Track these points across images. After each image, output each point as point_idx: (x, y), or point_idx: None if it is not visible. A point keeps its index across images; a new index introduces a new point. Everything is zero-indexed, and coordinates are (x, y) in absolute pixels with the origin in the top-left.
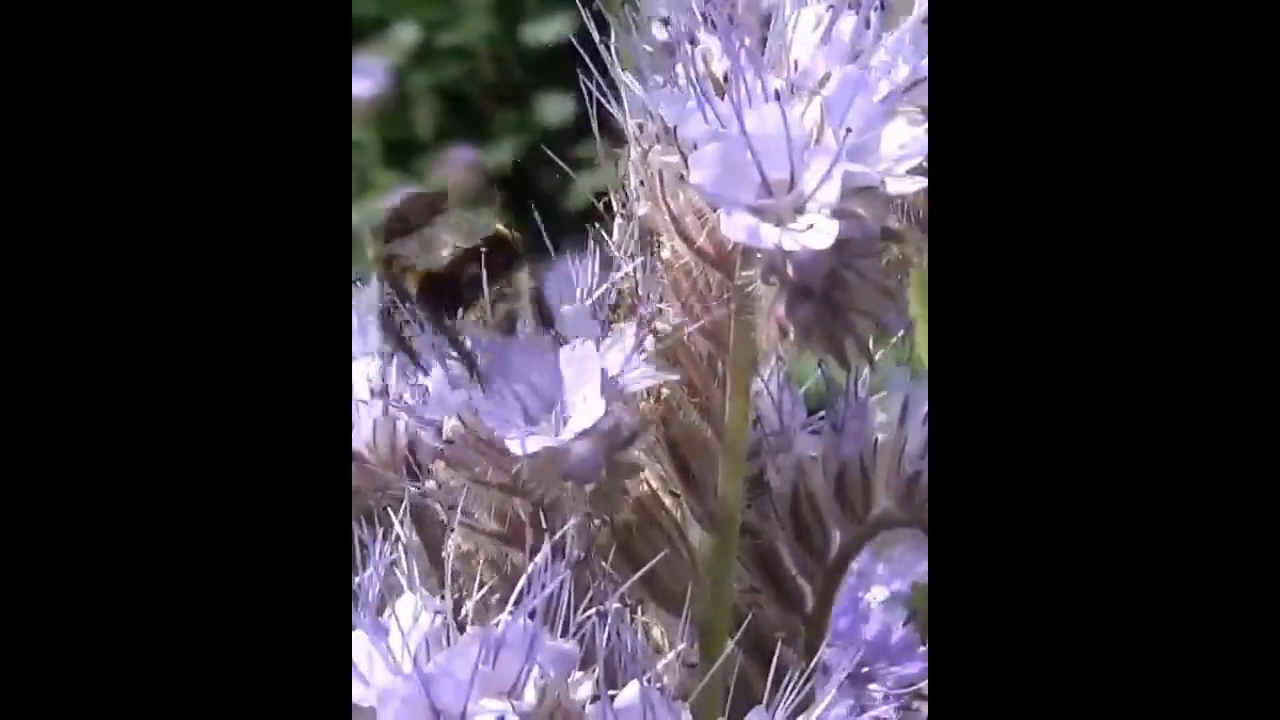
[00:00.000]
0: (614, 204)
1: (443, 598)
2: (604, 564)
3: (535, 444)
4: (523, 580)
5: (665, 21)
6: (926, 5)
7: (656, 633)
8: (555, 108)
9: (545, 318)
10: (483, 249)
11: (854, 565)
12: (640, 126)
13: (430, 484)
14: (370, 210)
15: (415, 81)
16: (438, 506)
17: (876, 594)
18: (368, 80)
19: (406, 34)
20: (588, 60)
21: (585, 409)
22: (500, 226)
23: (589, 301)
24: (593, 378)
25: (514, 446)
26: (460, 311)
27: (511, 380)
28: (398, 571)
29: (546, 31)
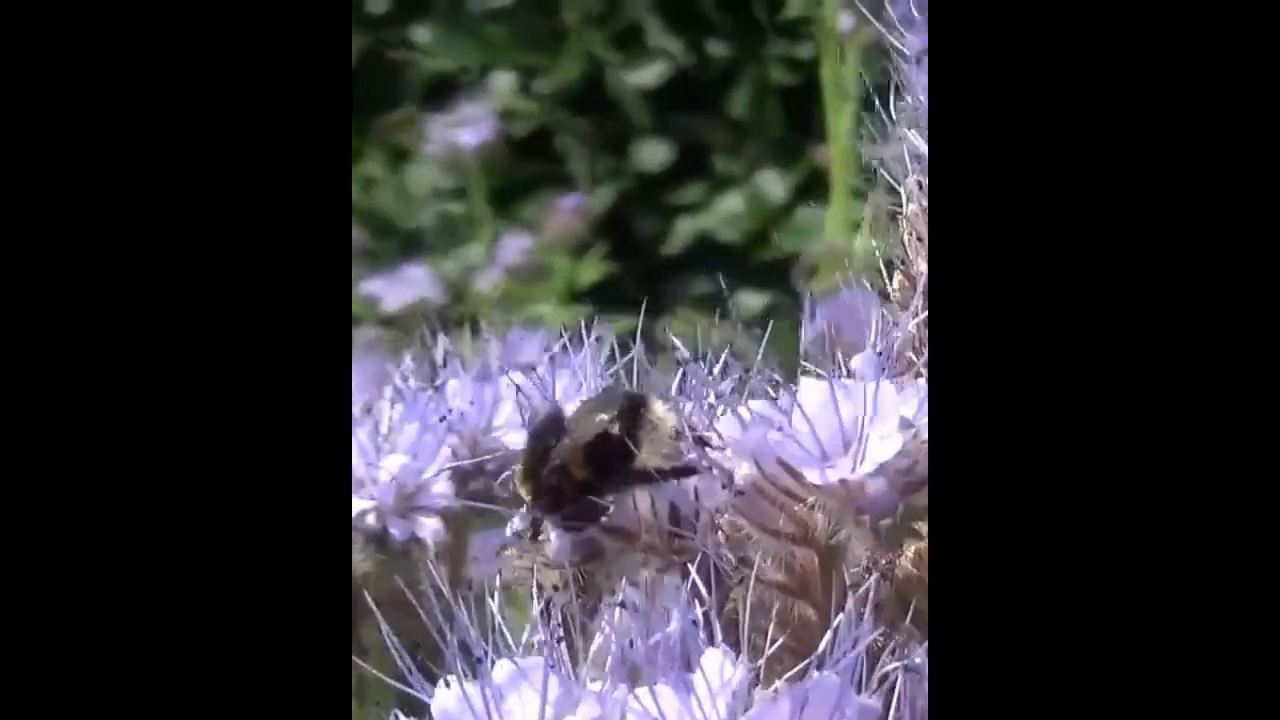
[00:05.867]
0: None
1: (739, 653)
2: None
3: (834, 475)
4: (828, 636)
5: None
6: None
7: None
8: (652, 153)
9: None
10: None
11: None
12: (920, 183)
13: (718, 537)
14: (474, 255)
15: (517, 128)
16: (725, 560)
17: None
18: (473, 128)
19: (505, 81)
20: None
21: (883, 445)
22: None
23: (878, 351)
24: (891, 418)
25: (813, 477)
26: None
27: (811, 421)
28: (698, 627)
29: (646, 76)
